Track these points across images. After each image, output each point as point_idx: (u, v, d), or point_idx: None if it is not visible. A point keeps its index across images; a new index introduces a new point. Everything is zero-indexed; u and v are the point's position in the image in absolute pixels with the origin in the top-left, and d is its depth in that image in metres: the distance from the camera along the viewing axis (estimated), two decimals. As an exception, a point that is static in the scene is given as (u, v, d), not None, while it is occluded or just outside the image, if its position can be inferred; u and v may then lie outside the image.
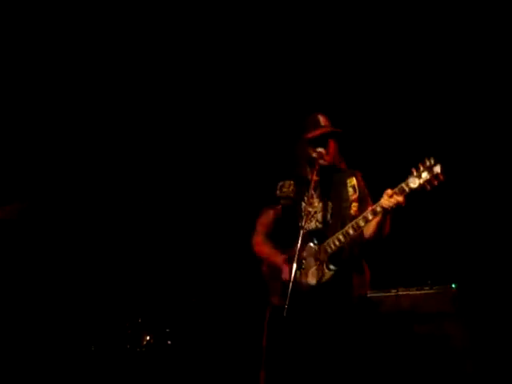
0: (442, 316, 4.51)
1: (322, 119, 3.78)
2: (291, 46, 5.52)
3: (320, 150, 3.70)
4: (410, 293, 4.65)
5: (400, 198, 3.36)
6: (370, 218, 3.45)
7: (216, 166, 5.84)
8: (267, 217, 3.89)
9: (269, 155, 5.25)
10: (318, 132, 3.71)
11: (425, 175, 3.28)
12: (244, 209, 5.08)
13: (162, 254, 5.72)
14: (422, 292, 4.65)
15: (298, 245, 3.37)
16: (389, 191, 3.39)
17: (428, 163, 3.29)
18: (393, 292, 4.67)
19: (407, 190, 3.33)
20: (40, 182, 5.56)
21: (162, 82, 5.87)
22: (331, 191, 3.73)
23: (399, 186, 3.36)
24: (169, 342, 4.96)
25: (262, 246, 3.84)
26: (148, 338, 4.92)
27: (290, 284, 3.28)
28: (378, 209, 3.42)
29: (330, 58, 5.46)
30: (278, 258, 3.67)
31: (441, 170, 3.25)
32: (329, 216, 3.69)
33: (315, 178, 3.61)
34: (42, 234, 5.55)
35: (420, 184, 3.30)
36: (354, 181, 3.70)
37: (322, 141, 3.72)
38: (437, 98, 5.28)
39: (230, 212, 5.64)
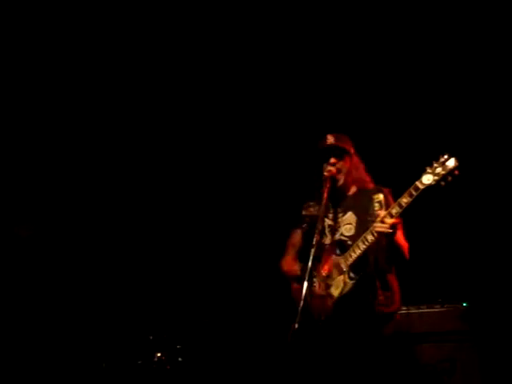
0: (452, 334, 4.50)
1: (328, 137, 3.84)
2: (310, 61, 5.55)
3: (330, 168, 3.75)
4: (421, 311, 4.65)
5: (391, 220, 3.36)
6: (369, 239, 3.47)
7: (246, 187, 5.82)
8: (295, 237, 3.94)
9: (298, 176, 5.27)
10: (319, 147, 3.81)
11: (438, 171, 3.30)
12: (273, 229, 5.13)
13: (178, 272, 5.71)
14: (433, 310, 4.64)
15: (310, 262, 3.39)
16: (381, 214, 3.41)
17: (442, 159, 3.30)
18: (404, 310, 4.66)
19: (421, 186, 3.32)
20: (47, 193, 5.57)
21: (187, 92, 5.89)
22: (356, 206, 3.76)
23: (414, 185, 3.35)
24: (180, 359, 4.96)
25: (290, 266, 3.88)
26: (159, 354, 4.93)
27: (301, 302, 3.29)
28: (394, 211, 3.40)
29: (347, 63, 5.50)
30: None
31: (455, 165, 3.27)
32: (353, 230, 3.70)
33: (326, 194, 3.64)
34: (53, 248, 5.58)
35: (435, 180, 3.30)
36: (380, 196, 3.70)
37: (328, 156, 3.78)
38: (452, 99, 5.26)
39: (257, 232, 5.63)
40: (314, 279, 3.62)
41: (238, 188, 5.85)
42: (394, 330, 3.66)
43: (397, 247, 3.54)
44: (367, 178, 3.87)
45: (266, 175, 5.79)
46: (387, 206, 3.61)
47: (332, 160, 3.77)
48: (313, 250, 3.42)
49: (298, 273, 3.77)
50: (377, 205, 3.68)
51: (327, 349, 3.53)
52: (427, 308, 4.67)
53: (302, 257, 3.83)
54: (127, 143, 5.96)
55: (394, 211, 3.41)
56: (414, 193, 3.35)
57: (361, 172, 3.87)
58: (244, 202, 5.83)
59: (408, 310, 4.65)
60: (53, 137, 5.82)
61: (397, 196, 3.55)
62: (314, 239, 3.46)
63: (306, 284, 3.33)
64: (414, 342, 4.53)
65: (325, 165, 3.78)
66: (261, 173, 5.82)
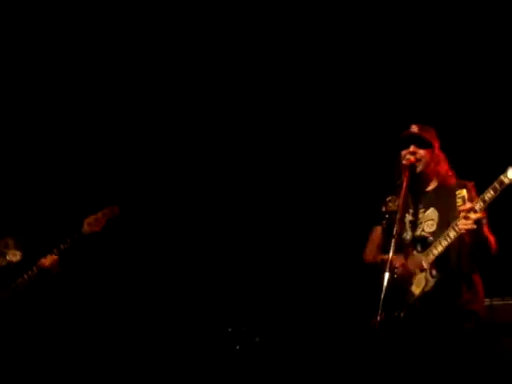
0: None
1: (413, 126, 3.74)
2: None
3: (408, 156, 3.66)
4: (506, 302, 4.50)
5: (475, 216, 3.27)
6: (452, 236, 3.39)
7: (325, 184, 5.78)
8: (376, 235, 3.90)
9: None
10: (401, 135, 3.71)
11: None
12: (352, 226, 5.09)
13: (258, 264, 5.72)
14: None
15: (390, 253, 3.34)
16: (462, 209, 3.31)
17: None
18: (486, 302, 4.51)
19: (506, 181, 3.19)
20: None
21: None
22: (438, 201, 3.68)
23: (498, 179, 3.24)
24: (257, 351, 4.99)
25: (374, 255, 3.84)
26: (238, 347, 4.96)
27: (383, 294, 3.25)
28: (477, 206, 3.30)
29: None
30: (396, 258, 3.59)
31: None
32: (435, 226, 3.63)
33: (405, 185, 3.55)
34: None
35: None
36: (463, 192, 3.59)
37: (408, 144, 3.69)
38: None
39: (340, 230, 5.58)
40: (396, 270, 3.55)
41: (320, 184, 5.79)
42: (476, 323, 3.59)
43: (483, 243, 3.45)
44: (449, 173, 3.76)
45: (346, 170, 5.72)
46: (471, 202, 3.48)
47: (412, 148, 3.68)
48: (393, 241, 3.37)
49: (384, 256, 3.66)
50: (459, 201, 3.56)
51: (408, 344, 3.47)
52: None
53: (384, 252, 3.77)
54: (127, 143, 5.98)
55: (477, 207, 3.32)
56: (498, 187, 3.24)
57: (443, 166, 3.76)
58: (327, 198, 5.76)
59: (491, 301, 4.52)
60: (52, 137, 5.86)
61: (481, 190, 3.47)
62: (394, 230, 3.41)
63: (387, 275, 3.29)
64: (498, 334, 4.39)
65: (404, 153, 3.69)
66: (341, 168, 5.75)
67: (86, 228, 4.43)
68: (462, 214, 3.34)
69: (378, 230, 3.88)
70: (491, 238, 3.51)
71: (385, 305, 3.22)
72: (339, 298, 5.37)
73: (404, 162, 3.66)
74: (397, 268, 3.55)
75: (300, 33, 5.65)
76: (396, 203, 3.70)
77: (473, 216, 3.29)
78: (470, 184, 3.66)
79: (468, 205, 3.34)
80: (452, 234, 3.41)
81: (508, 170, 3.21)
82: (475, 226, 3.31)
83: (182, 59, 5.86)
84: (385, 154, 4.67)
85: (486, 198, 3.28)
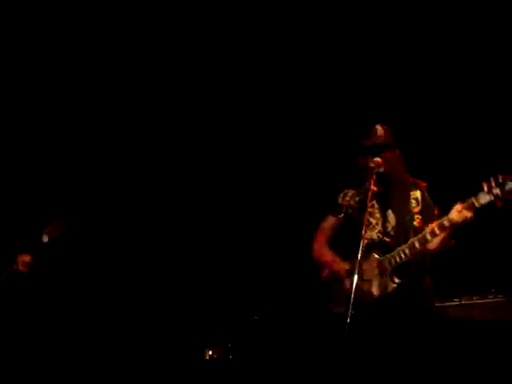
0: (508, 325, 4.40)
1: (379, 130, 3.79)
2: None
3: (376, 159, 3.71)
4: (475, 302, 4.55)
5: (469, 214, 3.32)
6: (438, 232, 3.45)
7: (279, 168, 5.80)
8: (329, 224, 3.94)
9: (333, 160, 5.21)
10: (369, 142, 3.76)
11: (496, 191, 3.24)
12: (300, 211, 5.12)
13: (218, 265, 5.72)
14: (487, 301, 4.53)
15: (359, 256, 3.36)
16: (458, 206, 3.35)
17: (501, 179, 3.24)
18: (456, 301, 4.56)
19: (477, 205, 3.29)
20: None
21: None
22: (393, 202, 3.74)
23: (469, 201, 3.33)
24: (230, 357, 4.97)
25: (323, 252, 3.87)
26: (210, 352, 4.95)
27: (352, 296, 3.27)
28: (446, 223, 3.40)
29: (396, 64, 5.42)
30: (341, 267, 3.67)
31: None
32: (390, 227, 3.68)
33: (373, 187, 3.60)
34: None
35: (490, 200, 3.26)
36: (417, 193, 3.70)
37: (377, 151, 3.72)
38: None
39: (288, 215, 5.62)
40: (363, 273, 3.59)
41: (272, 171, 5.82)
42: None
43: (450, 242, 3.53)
44: (404, 172, 3.83)
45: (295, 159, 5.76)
46: (423, 203, 3.65)
47: (382, 153, 3.72)
48: (362, 243, 3.40)
49: (331, 261, 3.75)
50: (413, 201, 3.69)
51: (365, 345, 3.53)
52: (480, 299, 4.56)
53: (335, 245, 3.84)
54: (128, 144, 5.96)
55: (446, 223, 3.41)
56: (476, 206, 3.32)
57: (400, 165, 3.82)
58: (276, 185, 5.79)
59: (461, 300, 4.56)
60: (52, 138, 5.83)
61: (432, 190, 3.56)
62: (363, 232, 3.44)
63: (356, 278, 3.32)
64: (468, 333, 4.44)
65: (370, 157, 3.73)
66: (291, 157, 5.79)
67: (44, 237, 4.40)
68: (428, 230, 3.44)
69: (331, 220, 3.92)
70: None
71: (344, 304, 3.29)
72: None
73: (372, 164, 3.70)
74: (368, 268, 3.58)
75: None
76: (354, 199, 3.76)
77: (466, 214, 3.34)
78: (423, 185, 3.76)
79: (459, 205, 3.38)
80: (417, 244, 3.48)
81: (479, 194, 3.29)
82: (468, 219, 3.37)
83: (179, 60, 5.85)
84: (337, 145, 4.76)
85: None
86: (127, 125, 5.92)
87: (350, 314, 3.22)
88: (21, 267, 4.39)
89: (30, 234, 4.54)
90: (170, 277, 5.78)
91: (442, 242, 3.50)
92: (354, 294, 3.25)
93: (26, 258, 4.39)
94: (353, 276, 3.33)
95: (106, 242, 5.71)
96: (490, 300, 4.50)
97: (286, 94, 5.81)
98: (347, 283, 3.57)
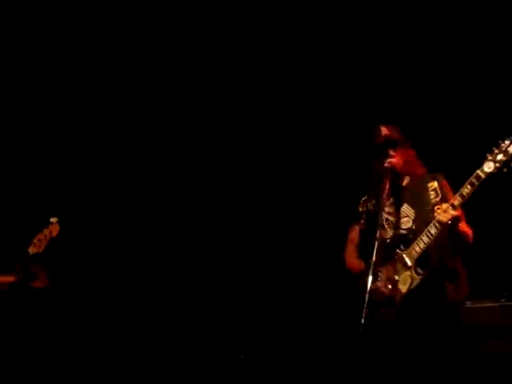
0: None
1: (383, 129, 3.79)
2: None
3: (389, 159, 3.72)
4: (487, 305, 4.53)
5: (454, 213, 3.32)
6: (433, 231, 3.44)
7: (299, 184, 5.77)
8: (354, 233, 3.97)
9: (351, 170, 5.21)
10: (376, 141, 3.77)
11: (500, 157, 3.23)
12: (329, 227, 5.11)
13: (234, 271, 5.70)
14: (499, 304, 4.51)
15: (373, 257, 3.37)
16: (444, 206, 3.35)
17: (503, 145, 3.23)
18: (468, 304, 4.54)
19: (483, 175, 3.26)
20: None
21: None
22: (412, 197, 3.73)
23: (474, 174, 3.29)
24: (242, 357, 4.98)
25: (353, 261, 3.91)
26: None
27: (367, 296, 3.28)
28: (456, 202, 3.36)
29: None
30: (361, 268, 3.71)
31: None
32: (411, 222, 3.67)
33: (388, 187, 3.60)
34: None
35: (496, 167, 3.24)
36: (435, 184, 3.68)
37: (386, 150, 3.73)
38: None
39: (314, 230, 5.59)
40: (379, 273, 3.59)
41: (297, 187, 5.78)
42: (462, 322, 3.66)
43: (461, 237, 3.52)
44: (419, 165, 3.83)
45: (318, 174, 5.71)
46: (443, 193, 3.61)
47: (391, 152, 3.72)
48: (376, 244, 3.40)
49: (362, 266, 3.76)
50: (432, 193, 3.67)
51: (398, 344, 3.51)
52: (493, 302, 4.54)
53: (362, 253, 3.85)
54: (129, 144, 5.93)
55: (456, 202, 3.37)
56: (475, 182, 3.29)
57: (413, 160, 3.82)
58: (303, 200, 5.76)
59: (473, 304, 4.54)
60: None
61: (454, 180, 3.54)
62: (377, 233, 3.45)
63: (370, 278, 3.32)
64: (482, 336, 4.42)
65: (381, 158, 3.74)
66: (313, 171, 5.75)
67: (31, 248, 4.31)
68: (441, 211, 3.38)
69: (356, 230, 3.95)
70: (468, 232, 3.58)
71: (370, 306, 3.27)
72: (321, 300, 5.38)
73: (386, 164, 3.70)
74: (380, 271, 3.58)
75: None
76: (372, 203, 3.77)
77: (452, 212, 3.34)
78: (440, 175, 3.74)
79: (445, 205, 3.38)
80: (433, 230, 3.45)
81: (484, 164, 3.27)
82: (453, 222, 3.37)
83: (179, 60, 5.85)
84: (354, 157, 4.75)
85: (464, 194, 3.33)
86: (125, 125, 5.89)
87: (363, 315, 3.22)
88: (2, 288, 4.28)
89: (17, 245, 4.43)
90: (180, 279, 5.76)
91: (453, 238, 3.50)
92: (369, 296, 3.26)
93: (7, 280, 4.27)
94: (367, 277, 3.33)
95: (104, 246, 5.66)
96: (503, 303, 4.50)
97: (302, 101, 5.78)
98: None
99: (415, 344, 3.49)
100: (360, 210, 3.92)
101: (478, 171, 3.30)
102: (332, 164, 5.62)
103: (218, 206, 5.84)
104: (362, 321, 3.23)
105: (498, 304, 4.42)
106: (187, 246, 5.77)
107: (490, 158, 3.26)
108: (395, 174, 3.72)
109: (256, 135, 5.86)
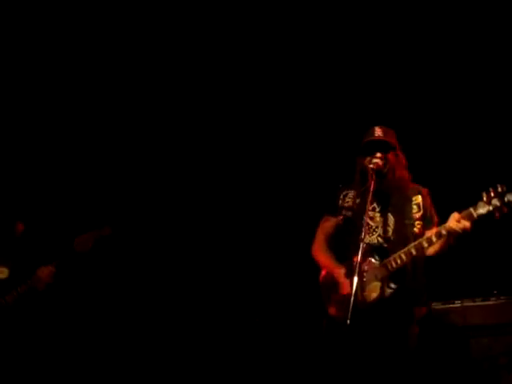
0: (510, 327, 4.38)
1: (377, 130, 3.76)
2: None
3: (376, 160, 3.67)
4: (477, 304, 4.53)
5: (467, 224, 3.31)
6: (434, 240, 3.43)
7: (280, 168, 5.77)
8: (329, 225, 3.89)
9: (332, 161, 5.19)
10: (367, 139, 3.72)
11: (495, 202, 3.23)
12: (302, 212, 5.11)
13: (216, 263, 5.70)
14: (489, 303, 4.52)
15: (359, 258, 3.34)
16: (456, 215, 3.34)
17: (500, 189, 3.23)
18: (457, 303, 4.54)
19: (475, 215, 3.28)
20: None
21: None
22: (394, 207, 3.69)
23: (467, 211, 3.32)
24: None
25: (322, 253, 3.85)
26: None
27: (352, 298, 3.24)
28: (444, 232, 3.39)
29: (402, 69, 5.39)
30: (337, 271, 3.67)
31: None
32: (390, 231, 3.65)
33: (372, 188, 3.56)
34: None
35: (489, 210, 3.24)
36: (419, 198, 3.67)
37: (377, 151, 3.70)
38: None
39: (288, 216, 5.59)
40: (364, 274, 3.57)
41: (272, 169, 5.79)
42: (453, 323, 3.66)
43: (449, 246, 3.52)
44: (406, 176, 3.78)
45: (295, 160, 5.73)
46: (425, 209, 3.61)
47: (378, 154, 3.68)
48: (362, 246, 3.37)
49: (329, 264, 3.74)
50: (415, 207, 3.65)
51: (361, 346, 3.50)
52: (482, 301, 4.54)
53: (334, 247, 3.82)
54: (129, 144, 5.95)
55: (443, 232, 3.39)
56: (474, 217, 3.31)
57: (402, 169, 3.77)
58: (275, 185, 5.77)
59: (462, 302, 4.55)
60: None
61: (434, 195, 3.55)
62: (362, 234, 3.41)
63: (355, 279, 3.29)
64: (470, 336, 4.42)
65: (369, 157, 3.69)
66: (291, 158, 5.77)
67: (75, 248, 4.36)
68: (425, 238, 3.44)
69: (331, 221, 3.88)
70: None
71: (341, 306, 3.28)
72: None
73: (371, 165, 3.65)
74: (366, 272, 3.56)
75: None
76: (353, 200, 3.74)
77: (466, 224, 3.33)
78: (425, 190, 3.72)
79: (457, 214, 3.37)
80: (414, 251, 3.45)
81: (478, 204, 3.28)
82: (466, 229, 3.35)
83: (179, 60, 5.84)
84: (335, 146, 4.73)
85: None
86: (125, 125, 5.91)
87: (349, 316, 3.19)
88: (38, 284, 4.29)
89: (58, 244, 4.48)
90: (181, 279, 5.78)
91: (439, 249, 3.51)
92: (354, 296, 3.22)
93: (45, 274, 4.29)
94: (352, 278, 3.30)
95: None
96: (492, 302, 4.51)
97: (287, 94, 5.77)
98: (346, 287, 3.55)
99: (379, 346, 3.48)
100: (340, 204, 3.84)
101: (472, 210, 3.30)
102: (312, 156, 5.64)
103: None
104: (348, 322, 3.19)
105: (488, 302, 4.48)
106: (189, 241, 5.79)
107: (485, 199, 3.25)
108: (380, 176, 3.64)
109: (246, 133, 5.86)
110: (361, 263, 3.35)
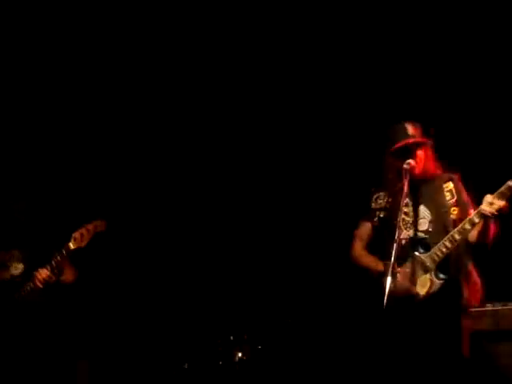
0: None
1: (409, 128, 3.74)
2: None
3: (409, 161, 3.66)
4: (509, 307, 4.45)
5: (502, 203, 3.27)
6: (477, 220, 3.39)
7: (308, 175, 5.78)
8: (365, 229, 3.89)
9: (361, 164, 5.18)
10: (402, 143, 3.68)
11: None
12: (336, 219, 5.09)
13: (254, 271, 5.71)
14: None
15: (392, 258, 3.33)
16: (489, 197, 3.30)
17: None
18: (489, 306, 4.45)
19: (508, 193, 3.23)
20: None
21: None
22: (427, 198, 3.69)
23: (499, 190, 3.26)
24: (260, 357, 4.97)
25: (363, 257, 3.85)
26: (240, 354, 4.94)
27: (385, 299, 3.23)
28: (476, 218, 3.33)
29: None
30: (380, 268, 3.65)
31: None
32: (427, 224, 3.63)
33: (406, 189, 3.55)
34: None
35: None
36: (450, 185, 3.67)
37: (410, 150, 3.66)
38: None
39: (323, 223, 5.58)
40: (398, 275, 3.56)
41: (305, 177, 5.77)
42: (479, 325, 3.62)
43: (489, 231, 3.48)
44: (436, 165, 3.78)
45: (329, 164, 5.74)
46: (459, 194, 3.60)
47: (417, 152, 3.69)
48: (395, 246, 3.37)
49: (377, 265, 3.70)
50: (448, 194, 3.64)
51: (413, 346, 3.49)
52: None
53: (378, 252, 3.79)
54: (129, 143, 5.95)
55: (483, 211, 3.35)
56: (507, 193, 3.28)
57: (431, 161, 3.77)
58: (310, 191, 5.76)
59: (494, 306, 4.47)
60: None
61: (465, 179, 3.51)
62: (396, 234, 3.40)
63: (389, 280, 3.28)
64: (502, 340, 4.35)
65: (402, 158, 3.67)
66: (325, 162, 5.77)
67: (71, 243, 4.34)
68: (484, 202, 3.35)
69: (366, 226, 3.88)
70: (494, 228, 3.52)
71: (388, 307, 3.24)
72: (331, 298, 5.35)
73: (405, 166, 3.64)
74: (398, 273, 3.55)
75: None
76: (386, 200, 3.72)
77: (500, 203, 3.30)
78: (456, 176, 3.71)
79: (489, 196, 3.35)
80: (457, 236, 3.43)
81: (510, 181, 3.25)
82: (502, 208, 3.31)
83: (179, 60, 5.86)
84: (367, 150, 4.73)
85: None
86: (124, 125, 5.93)
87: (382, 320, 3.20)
88: (37, 283, 4.32)
89: (56, 239, 4.47)
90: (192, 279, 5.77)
91: (479, 234, 3.47)
92: (391, 296, 3.21)
93: (43, 274, 4.31)
94: (386, 278, 3.29)
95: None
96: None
97: (310, 95, 5.81)
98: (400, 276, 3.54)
99: (429, 347, 3.47)
100: (373, 206, 3.84)
101: (509, 182, 3.28)
102: (338, 158, 5.65)
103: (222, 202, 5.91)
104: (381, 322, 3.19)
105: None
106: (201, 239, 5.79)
107: None
108: (413, 175, 3.65)
109: (263, 131, 5.87)
110: (394, 263, 3.33)
